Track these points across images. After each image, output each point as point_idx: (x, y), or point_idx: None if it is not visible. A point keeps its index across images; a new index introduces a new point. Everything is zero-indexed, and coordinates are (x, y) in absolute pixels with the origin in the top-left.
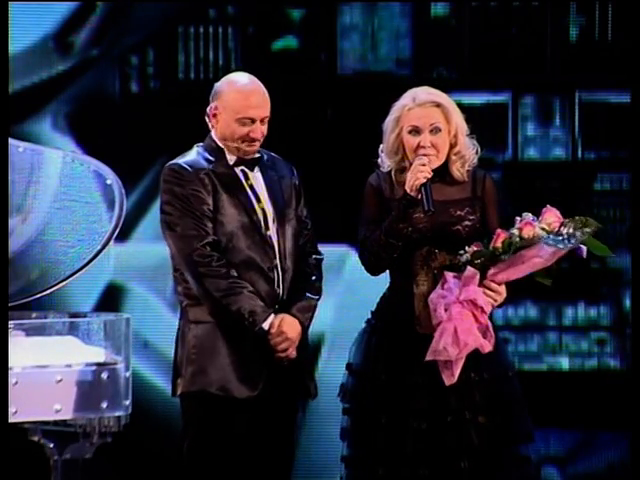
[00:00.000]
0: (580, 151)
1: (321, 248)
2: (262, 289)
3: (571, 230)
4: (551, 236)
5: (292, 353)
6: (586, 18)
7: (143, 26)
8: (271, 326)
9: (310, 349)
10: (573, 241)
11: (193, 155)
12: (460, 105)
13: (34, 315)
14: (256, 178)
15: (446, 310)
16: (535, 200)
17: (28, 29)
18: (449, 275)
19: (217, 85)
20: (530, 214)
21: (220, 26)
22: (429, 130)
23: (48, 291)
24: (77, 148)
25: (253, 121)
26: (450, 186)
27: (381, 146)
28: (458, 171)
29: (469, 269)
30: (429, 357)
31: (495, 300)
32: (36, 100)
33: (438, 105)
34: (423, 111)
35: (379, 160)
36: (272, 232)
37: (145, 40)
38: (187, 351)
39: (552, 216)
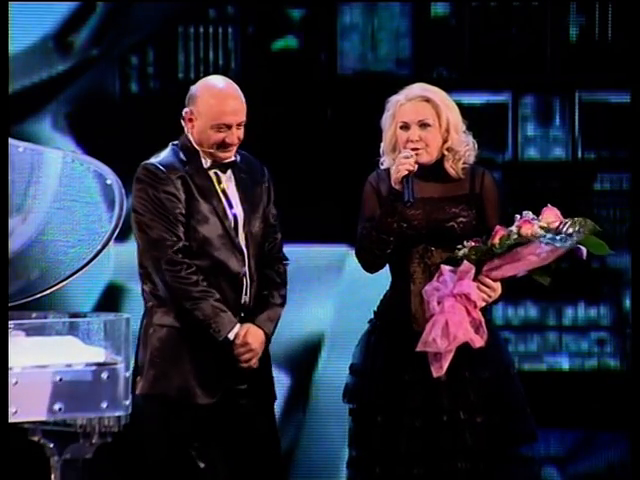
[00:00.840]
0: (580, 151)
1: (321, 248)
2: (229, 296)
3: (569, 230)
4: (548, 235)
5: (255, 363)
6: (586, 18)
7: (143, 26)
8: (236, 337)
9: (310, 349)
10: (570, 241)
11: (168, 154)
12: (460, 105)
13: (34, 315)
14: (228, 182)
15: (439, 303)
16: (535, 200)
17: (28, 29)
18: (445, 269)
19: (193, 89)
20: (530, 212)
21: (220, 26)
22: (417, 125)
23: (48, 291)
24: (77, 148)
25: (229, 127)
26: (447, 183)
27: (381, 145)
28: (452, 168)
29: (465, 263)
30: (419, 348)
31: (489, 296)
32: (36, 100)
33: (428, 100)
34: (413, 106)
35: (381, 159)
36: (242, 238)
37: (145, 40)
38: (150, 353)
39: (552, 215)
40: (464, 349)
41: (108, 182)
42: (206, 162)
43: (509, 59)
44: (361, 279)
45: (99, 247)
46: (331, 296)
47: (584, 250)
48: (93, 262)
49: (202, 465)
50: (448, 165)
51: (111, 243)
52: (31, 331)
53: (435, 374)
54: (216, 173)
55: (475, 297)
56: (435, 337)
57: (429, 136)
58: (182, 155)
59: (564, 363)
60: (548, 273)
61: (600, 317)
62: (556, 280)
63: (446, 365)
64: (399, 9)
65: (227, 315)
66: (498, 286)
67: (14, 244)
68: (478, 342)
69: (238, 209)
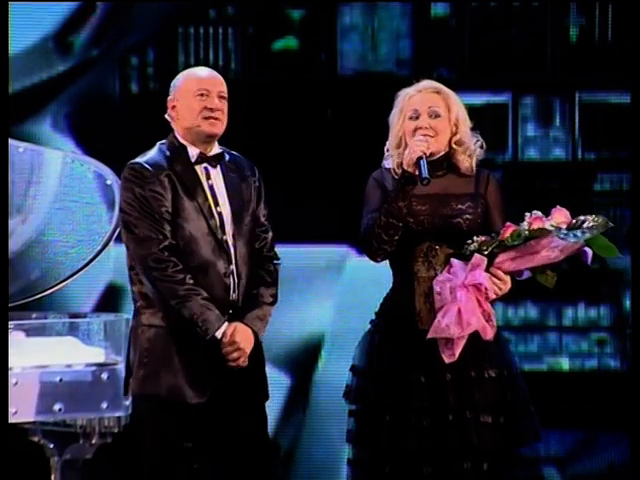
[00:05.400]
0: (580, 151)
1: (321, 248)
2: (218, 295)
3: (583, 225)
4: (563, 229)
5: (243, 362)
6: (586, 18)
7: (143, 26)
8: (223, 335)
9: (310, 349)
10: (582, 236)
11: (154, 153)
12: None
13: (34, 315)
14: (217, 178)
15: (451, 293)
16: (535, 201)
17: (28, 29)
18: (455, 261)
19: (171, 85)
20: (539, 212)
21: (220, 26)
22: (427, 114)
23: (48, 291)
24: (77, 148)
25: (209, 94)
26: (452, 181)
27: (387, 143)
28: (466, 161)
29: (476, 256)
30: (430, 335)
31: (500, 288)
32: (36, 100)
33: (438, 92)
34: (423, 96)
35: (385, 156)
36: (228, 236)
37: (145, 40)
38: (139, 354)
39: (562, 216)
40: (469, 348)
41: (108, 182)
42: (193, 155)
43: (509, 59)
44: (361, 279)
45: (99, 247)
46: (331, 296)
47: (589, 255)
48: (93, 262)
49: (195, 465)
50: (460, 158)
51: (111, 243)
52: (31, 331)
53: (447, 360)
54: (206, 168)
55: (487, 286)
56: (449, 324)
57: (439, 125)
58: (168, 152)
59: (564, 363)
60: (554, 274)
61: (600, 318)
62: (556, 280)
63: (458, 352)
64: (399, 9)
65: (214, 313)
66: (508, 279)
67: (14, 244)
68: (489, 333)
69: (225, 207)
